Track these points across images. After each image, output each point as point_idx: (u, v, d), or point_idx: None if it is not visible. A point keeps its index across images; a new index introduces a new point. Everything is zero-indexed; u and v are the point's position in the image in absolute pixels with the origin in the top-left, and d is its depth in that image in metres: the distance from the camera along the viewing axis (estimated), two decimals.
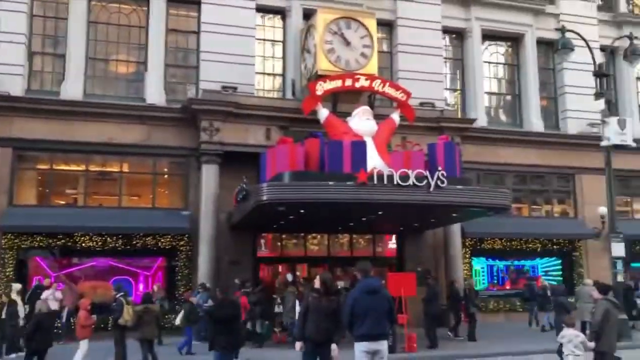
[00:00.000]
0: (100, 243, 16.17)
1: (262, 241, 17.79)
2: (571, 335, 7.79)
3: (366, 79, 16.11)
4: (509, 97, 21.63)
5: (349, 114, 15.73)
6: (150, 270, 16.88)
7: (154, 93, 17.08)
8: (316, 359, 7.16)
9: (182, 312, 13.23)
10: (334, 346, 7.09)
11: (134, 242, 16.41)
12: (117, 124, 16.41)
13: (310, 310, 7.15)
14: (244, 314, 12.39)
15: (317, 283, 7.36)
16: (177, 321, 13.27)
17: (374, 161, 13.75)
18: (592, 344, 7.81)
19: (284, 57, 18.77)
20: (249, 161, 15.91)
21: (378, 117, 15.89)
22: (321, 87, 15.65)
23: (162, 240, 16.59)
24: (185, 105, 16.63)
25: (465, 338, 14.95)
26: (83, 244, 16.10)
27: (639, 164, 20.47)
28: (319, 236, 18.40)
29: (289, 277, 15.94)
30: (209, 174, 16.35)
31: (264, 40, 18.77)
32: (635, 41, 16.57)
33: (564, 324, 8.23)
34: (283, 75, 18.71)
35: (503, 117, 21.50)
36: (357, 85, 16.04)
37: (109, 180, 17.05)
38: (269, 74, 18.82)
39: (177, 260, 16.71)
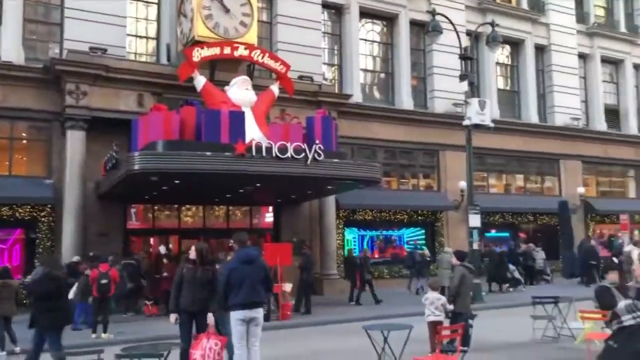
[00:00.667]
0: None
1: (133, 212, 17.11)
2: (433, 298, 8.41)
3: (245, 49, 15.89)
4: (382, 75, 22.48)
5: (227, 83, 15.44)
6: (7, 243, 15.54)
7: (10, 50, 15.53)
8: (192, 329, 7.10)
9: (77, 285, 12.33)
10: (210, 315, 7.07)
11: None
12: None
13: (186, 281, 7.04)
14: (114, 288, 11.87)
15: (192, 254, 7.25)
16: (71, 295, 12.34)
17: (253, 132, 13.68)
18: (450, 306, 8.50)
19: (158, 20, 17.91)
20: (119, 128, 15.13)
21: (257, 88, 15.78)
22: (198, 54, 15.18)
23: (21, 210, 15.32)
24: (48, 66, 15.32)
25: (354, 303, 15.83)
26: None
27: (496, 142, 22.29)
28: (193, 208, 18.07)
29: (162, 249, 15.51)
30: (75, 141, 15.28)
31: (137, 0, 17.74)
32: (496, 28, 17.86)
33: (428, 287, 8.85)
34: (157, 38, 17.88)
35: (377, 94, 22.35)
36: (236, 54, 15.78)
37: None
38: (142, 37, 17.88)
39: (38, 232, 15.53)
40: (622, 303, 2.03)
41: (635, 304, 1.90)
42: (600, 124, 26.34)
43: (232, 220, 18.68)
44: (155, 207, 17.41)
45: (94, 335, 11.22)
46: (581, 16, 26.61)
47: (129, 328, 12.11)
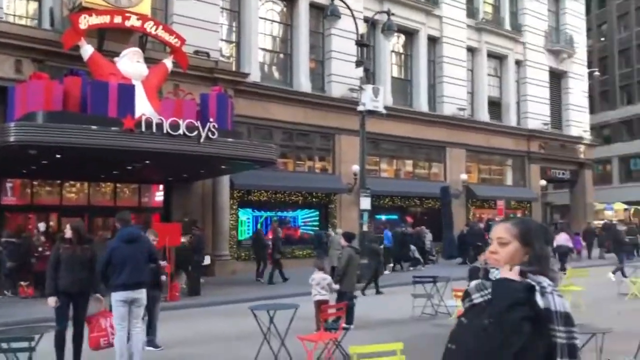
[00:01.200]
0: None
1: (9, 187, 15.89)
2: (319, 278, 8.60)
3: (138, 19, 15.13)
4: (281, 56, 22.41)
5: (116, 54, 14.68)
6: None
7: None
8: (69, 312, 6.75)
9: None
10: (98, 295, 6.75)
11: None
12: None
13: (63, 261, 6.66)
14: None
15: (67, 232, 6.86)
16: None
17: (143, 107, 13.14)
18: (336, 286, 8.75)
19: None
20: None
21: (149, 61, 15.14)
22: (85, 21, 14.25)
23: None
24: None
25: (266, 281, 16.12)
26: None
27: (388, 129, 23.04)
28: (78, 184, 17.10)
29: (42, 226, 14.55)
30: None
31: None
32: (392, 17, 18.36)
33: (316, 267, 9.03)
34: (39, 1, 16.54)
35: (275, 75, 22.26)
36: (128, 24, 14.99)
37: None
38: None
39: None
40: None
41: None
42: (484, 115, 28.05)
43: (120, 199, 17.93)
44: (35, 183, 16.28)
45: None
46: (471, 11, 28.03)
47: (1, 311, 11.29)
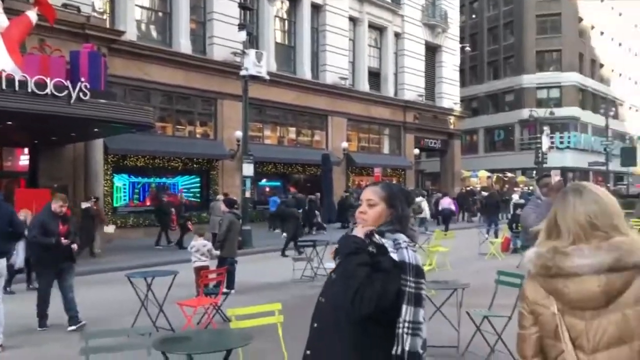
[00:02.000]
0: None
1: None
2: (199, 245, 8.52)
3: None
4: (160, 15, 21.39)
5: None
6: None
7: None
8: None
9: None
10: None
11: None
12: None
13: None
14: None
15: None
16: None
17: (3, 63, 11.95)
18: (217, 252, 8.73)
19: None
20: None
21: (9, 12, 13.72)
22: None
23: None
24: None
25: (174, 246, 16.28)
26: None
27: (272, 95, 23.00)
28: None
29: None
30: None
31: None
32: None
33: (195, 234, 8.93)
34: None
35: (154, 34, 21.23)
36: None
37: None
38: None
39: None
40: None
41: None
42: (364, 85, 28.88)
43: None
44: None
45: None
46: None
47: None
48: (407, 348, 2.10)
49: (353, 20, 28.53)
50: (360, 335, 2.13)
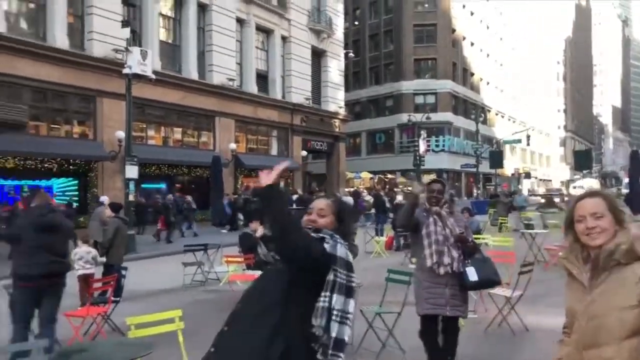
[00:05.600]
0: None
1: None
2: (83, 252, 8.09)
3: None
4: (32, 6, 19.90)
5: None
6: None
7: None
8: None
9: None
10: None
11: None
12: None
13: None
14: None
15: None
16: None
17: None
18: (103, 259, 8.34)
19: None
20: None
21: None
22: None
23: None
24: None
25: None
26: None
27: (156, 94, 22.25)
28: None
29: None
30: None
31: None
32: None
33: (80, 240, 8.47)
34: None
35: (25, 27, 19.71)
36: None
37: None
38: None
39: None
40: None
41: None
42: (252, 86, 28.83)
43: None
44: None
45: None
46: None
47: None
48: (333, 335, 2.22)
49: (240, 21, 28.40)
50: (280, 316, 2.22)
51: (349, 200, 24.43)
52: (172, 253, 14.34)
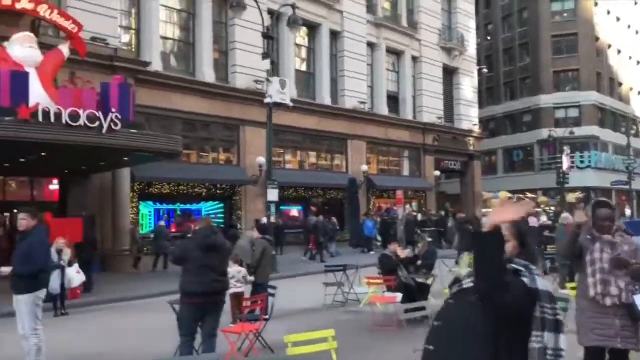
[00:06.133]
0: None
1: None
2: (234, 272, 8.64)
3: (30, 1, 14.14)
4: (184, 45, 21.89)
5: (6, 39, 13.65)
6: None
7: None
8: None
9: None
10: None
11: None
12: None
13: None
14: None
15: None
16: None
17: (38, 96, 12.34)
18: (252, 278, 8.84)
19: None
20: None
21: (43, 47, 14.20)
22: None
23: None
24: None
25: None
26: None
27: (292, 120, 23.25)
28: None
29: None
30: None
31: None
32: (296, 11, 18.53)
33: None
34: None
35: (178, 64, 21.71)
36: (18, 6, 13.99)
37: None
38: None
39: None
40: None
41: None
42: (383, 108, 29.10)
43: (9, 193, 16.76)
44: None
45: None
46: (371, 7, 28.89)
47: None
48: None
49: (371, 45, 28.88)
50: (489, 348, 2.11)
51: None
52: (311, 273, 14.78)
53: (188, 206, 21.73)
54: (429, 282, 9.40)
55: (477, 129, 35.54)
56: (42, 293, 6.29)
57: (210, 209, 22.30)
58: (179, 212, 21.41)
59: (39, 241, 6.23)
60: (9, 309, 8.07)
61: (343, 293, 10.65)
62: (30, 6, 14.15)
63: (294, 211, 25.96)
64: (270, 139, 17.27)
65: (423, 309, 6.79)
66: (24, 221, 6.36)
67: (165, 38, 21.05)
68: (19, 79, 11.91)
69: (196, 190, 21.40)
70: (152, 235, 18.89)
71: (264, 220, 16.64)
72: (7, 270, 6.13)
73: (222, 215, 22.53)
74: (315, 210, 25.42)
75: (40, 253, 6.25)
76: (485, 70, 42.09)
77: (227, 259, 6.30)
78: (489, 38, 51.77)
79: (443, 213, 28.72)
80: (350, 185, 23.23)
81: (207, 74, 21.44)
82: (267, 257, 9.24)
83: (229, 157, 22.99)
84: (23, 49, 13.34)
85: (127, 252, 17.98)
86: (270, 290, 7.99)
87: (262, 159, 21.63)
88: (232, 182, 22.17)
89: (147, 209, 20.40)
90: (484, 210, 32.39)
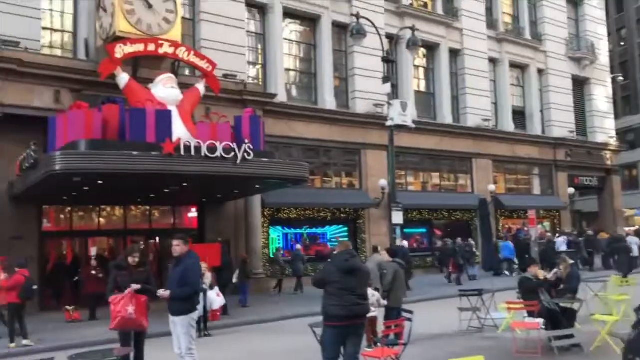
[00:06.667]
0: None
1: (49, 214, 16.27)
2: (368, 295, 8.68)
3: (170, 46, 15.51)
4: (306, 75, 22.70)
5: (150, 81, 15.06)
6: None
7: None
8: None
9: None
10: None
11: None
12: None
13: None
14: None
15: (131, 259, 7.08)
16: (234, 279, 15.39)
17: (180, 131, 13.41)
18: (384, 302, 8.83)
19: (75, 13, 17.10)
20: (33, 126, 14.36)
21: (181, 86, 15.46)
22: (121, 50, 14.65)
23: None
24: None
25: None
26: None
27: (413, 142, 23.07)
28: (110, 208, 17.43)
29: (93, 251, 14.83)
30: None
31: None
32: (415, 33, 18.55)
33: None
34: (74, 33, 17.07)
35: (300, 94, 22.53)
36: (161, 51, 15.38)
37: None
38: (57, 30, 17.00)
39: None
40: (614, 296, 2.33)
41: None
42: (508, 124, 28.01)
43: (155, 221, 18.23)
44: (72, 209, 16.66)
45: (12, 345, 10.59)
46: (491, 22, 28.14)
47: (47, 335, 11.50)
48: None
49: (493, 61, 28.05)
50: None
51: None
52: (442, 297, 14.44)
53: (314, 230, 22.26)
54: (575, 307, 8.79)
55: (613, 142, 32.97)
56: (196, 314, 6.77)
57: (334, 232, 22.68)
58: (305, 236, 22.00)
59: (192, 265, 6.74)
60: (160, 329, 8.77)
61: (479, 318, 10.28)
62: (170, 50, 15.50)
63: (417, 234, 25.58)
64: (392, 161, 17.28)
65: (572, 336, 6.37)
66: (178, 247, 6.92)
67: (288, 70, 21.98)
68: (163, 117, 13.02)
69: (321, 214, 21.89)
70: (290, 258, 19.60)
71: (400, 243, 16.67)
72: (165, 293, 6.67)
73: (347, 239, 22.74)
74: (441, 234, 24.89)
75: (194, 277, 6.75)
76: (620, 78, 39.14)
77: (367, 282, 6.37)
78: (622, 44, 48.12)
79: (591, 232, 26.78)
80: (481, 205, 22.38)
81: (328, 101, 22.02)
82: (399, 280, 9.19)
83: (351, 181, 23.30)
84: (165, 89, 14.63)
85: (261, 275, 18.75)
86: (407, 315, 7.92)
87: (383, 182, 21.67)
88: (355, 205, 22.40)
89: (275, 233, 21.19)
90: (626, 228, 29.78)
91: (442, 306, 12.80)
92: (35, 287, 11.19)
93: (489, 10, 28.39)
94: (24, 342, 10.66)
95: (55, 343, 10.54)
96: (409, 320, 7.58)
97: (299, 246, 20.14)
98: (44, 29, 16.40)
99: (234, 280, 15.67)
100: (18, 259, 11.99)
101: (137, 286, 6.81)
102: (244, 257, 16.48)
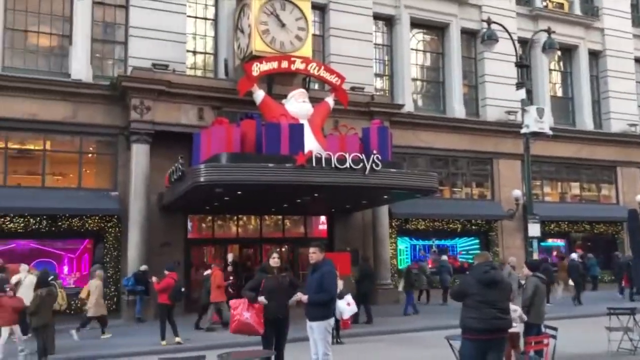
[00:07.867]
0: (22, 224, 15.28)
1: (193, 223, 17.55)
2: (510, 310, 8.35)
3: (302, 62, 16.15)
4: (433, 84, 22.43)
5: (283, 96, 15.78)
6: (76, 253, 16.20)
7: (80, 68, 16.21)
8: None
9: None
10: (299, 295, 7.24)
11: (59, 224, 15.63)
12: (40, 100, 15.46)
13: (268, 290, 7.24)
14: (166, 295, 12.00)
15: (272, 261, 7.46)
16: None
17: (311, 144, 13.90)
18: (525, 317, 8.44)
19: (215, 36, 18.42)
20: (180, 141, 15.61)
21: (311, 100, 16.02)
22: (257, 68, 15.52)
23: (89, 221, 15.91)
24: (114, 83, 15.96)
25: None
26: (3, 226, 15.14)
27: (549, 150, 21.82)
28: (246, 217, 18.38)
29: (230, 257, 15.78)
30: (140, 154, 15.82)
31: (195, 17, 18.31)
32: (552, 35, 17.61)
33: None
34: (215, 54, 18.37)
35: (428, 103, 22.29)
36: (293, 67, 16.06)
37: (32, 158, 16.14)
38: (200, 53, 18.41)
39: (105, 242, 16.13)
40: None
41: None
42: None
43: (287, 230, 18.95)
44: (213, 218, 17.81)
45: (163, 342, 11.54)
46: (637, 20, 25.95)
47: (191, 335, 12.39)
48: None
49: (639, 61, 25.79)
50: None
51: None
52: (586, 315, 13.48)
53: (443, 242, 21.82)
54: None
55: None
56: (332, 320, 6.96)
57: (464, 244, 22.06)
58: (434, 248, 21.62)
59: (328, 272, 6.97)
60: (297, 334, 9.10)
61: (630, 339, 9.47)
62: (302, 66, 16.14)
63: (556, 248, 24.09)
64: (528, 170, 16.46)
65: None
66: (315, 254, 7.19)
67: (415, 79, 21.87)
68: (296, 130, 13.57)
69: (450, 225, 21.40)
70: (435, 270, 19.48)
71: (511, 260, 16.19)
72: (304, 297, 6.99)
73: (478, 251, 22.03)
74: (581, 250, 23.18)
75: (331, 283, 6.97)
76: None
77: (508, 295, 6.16)
78: None
79: None
80: (631, 218, 20.56)
81: (457, 109, 21.56)
82: (540, 295, 8.72)
83: (482, 191, 22.55)
84: (297, 103, 15.28)
85: (390, 286, 18.74)
86: (550, 332, 7.53)
87: (517, 192, 20.73)
88: (487, 216, 21.62)
89: (403, 244, 21.07)
90: None
91: (585, 325, 11.95)
92: (183, 289, 12.11)
93: (635, 7, 26.21)
94: (176, 339, 11.59)
95: (203, 342, 11.34)
96: (553, 337, 7.19)
97: (444, 257, 19.84)
98: (188, 51, 17.84)
99: (399, 289, 17.09)
100: (167, 263, 13.10)
101: (264, 300, 7.14)
102: (410, 268, 17.55)
